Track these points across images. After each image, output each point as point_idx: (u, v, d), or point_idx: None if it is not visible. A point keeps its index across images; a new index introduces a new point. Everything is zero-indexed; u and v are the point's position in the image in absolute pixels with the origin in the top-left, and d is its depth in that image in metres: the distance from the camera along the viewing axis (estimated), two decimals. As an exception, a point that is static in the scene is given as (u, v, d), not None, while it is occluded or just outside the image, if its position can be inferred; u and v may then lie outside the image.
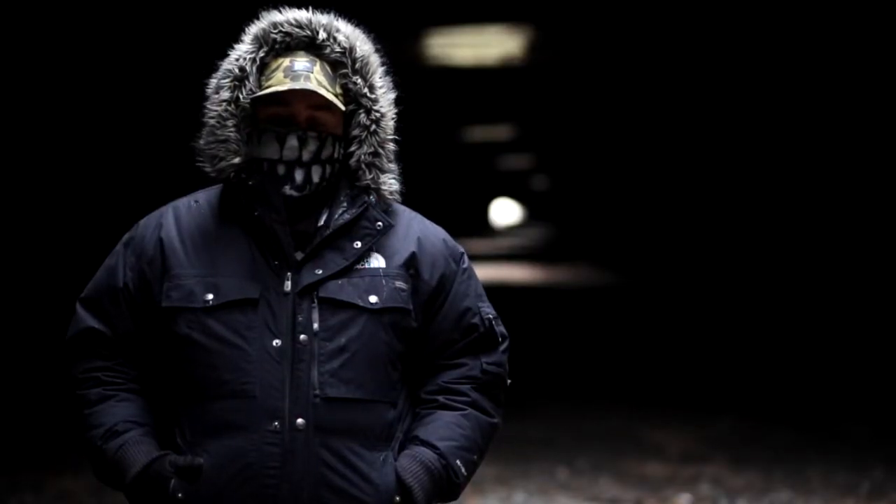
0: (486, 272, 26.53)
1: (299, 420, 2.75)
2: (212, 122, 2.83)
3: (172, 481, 2.77)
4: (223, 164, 2.83)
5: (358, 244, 2.84)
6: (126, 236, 2.93)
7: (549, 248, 45.80)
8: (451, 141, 37.54)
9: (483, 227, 63.26)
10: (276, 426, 2.74)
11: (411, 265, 2.88)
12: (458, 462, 2.87)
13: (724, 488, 7.97)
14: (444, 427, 2.88)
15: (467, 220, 50.22)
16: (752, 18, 16.42)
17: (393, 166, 2.90)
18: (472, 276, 2.98)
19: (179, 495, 2.77)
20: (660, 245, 27.45)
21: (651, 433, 9.80)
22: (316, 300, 2.80)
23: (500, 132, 36.93)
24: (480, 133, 37.22)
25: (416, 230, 2.93)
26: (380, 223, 2.87)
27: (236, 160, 2.83)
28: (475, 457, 2.91)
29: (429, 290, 2.89)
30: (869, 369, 13.06)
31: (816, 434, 9.83)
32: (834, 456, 8.93)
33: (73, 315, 2.92)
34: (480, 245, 45.20)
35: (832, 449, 9.20)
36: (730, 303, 19.86)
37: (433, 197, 31.40)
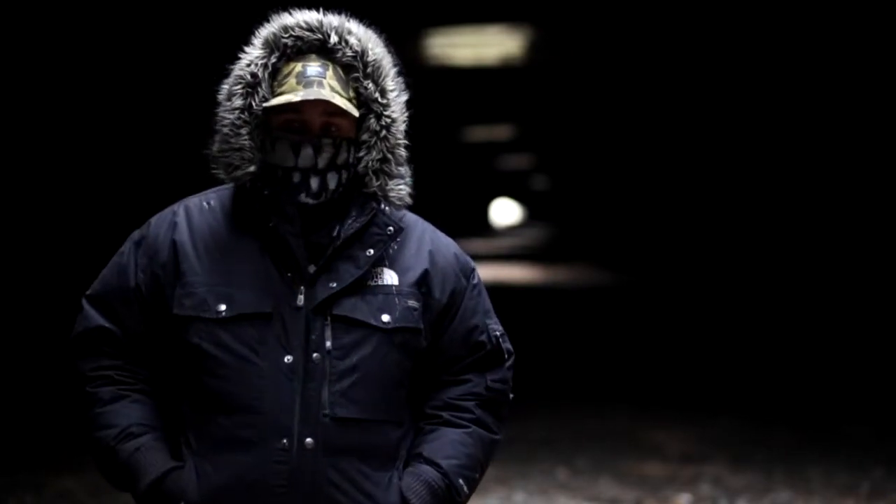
0: (486, 272, 26.52)
1: (308, 439, 2.73)
2: (225, 130, 2.79)
3: (182, 503, 2.76)
4: (238, 172, 2.79)
5: (370, 252, 2.81)
6: (137, 234, 2.89)
7: (549, 248, 45.77)
8: (451, 141, 37.54)
9: (483, 227, 63.25)
10: (284, 444, 2.73)
11: (424, 283, 2.86)
12: (460, 481, 2.86)
13: (724, 488, 7.96)
14: (449, 445, 2.86)
15: (467, 220, 50.21)
16: (752, 18, 16.42)
17: (403, 170, 2.86)
18: (481, 291, 2.96)
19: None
20: (660, 245, 27.45)
21: (651, 433, 9.79)
22: (329, 318, 2.77)
23: (500, 132, 36.96)
24: (480, 133, 37.24)
25: (427, 244, 2.90)
26: (390, 228, 2.84)
27: (251, 168, 2.78)
28: (477, 475, 2.91)
29: (439, 307, 2.87)
30: (870, 369, 13.06)
31: (816, 434, 9.82)
32: (834, 456, 8.93)
33: (80, 312, 2.88)
34: (480, 245, 45.18)
35: (832, 449, 9.20)
36: (730, 303, 19.86)
37: (433, 197, 31.40)
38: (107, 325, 2.85)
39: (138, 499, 2.81)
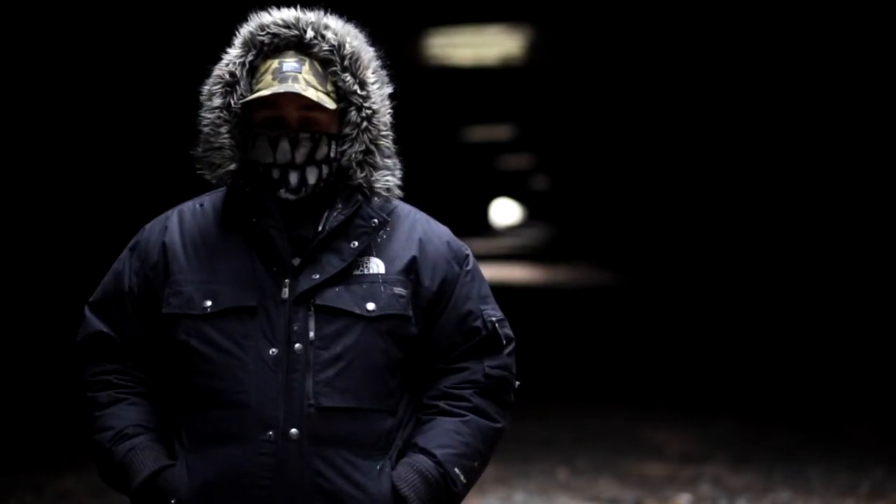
0: (486, 272, 26.45)
1: (292, 430, 2.73)
2: (206, 129, 2.82)
3: (173, 500, 2.78)
4: (220, 171, 2.82)
5: (355, 244, 2.81)
6: (132, 240, 2.93)
7: (549, 248, 45.78)
8: (451, 141, 37.55)
9: (483, 227, 63.25)
10: (270, 435, 2.73)
11: (412, 270, 2.85)
12: (456, 470, 2.83)
13: (724, 488, 7.96)
14: (443, 434, 2.84)
15: (467, 220, 50.21)
16: (752, 18, 16.42)
17: (390, 162, 2.86)
18: (475, 277, 2.94)
19: (173, 502, 2.78)
20: (660, 245, 27.45)
21: (651, 433, 9.79)
22: (312, 308, 2.78)
23: (500, 132, 36.96)
24: (480, 133, 37.24)
25: (418, 232, 2.89)
26: (375, 220, 2.84)
27: (232, 166, 2.81)
28: (476, 463, 2.87)
29: (429, 295, 2.86)
30: (870, 369, 13.06)
31: (816, 434, 9.82)
32: (834, 456, 8.92)
33: (82, 319, 2.92)
34: (480, 245, 45.17)
35: (832, 449, 9.20)
36: (730, 302, 19.86)
37: (433, 197, 31.39)
38: (105, 330, 2.89)
39: (132, 498, 2.83)
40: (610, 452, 9.03)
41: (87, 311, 2.92)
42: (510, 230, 72.06)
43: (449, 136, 36.21)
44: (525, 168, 54.96)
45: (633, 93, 25.30)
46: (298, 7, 2.88)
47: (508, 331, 2.95)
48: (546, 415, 10.47)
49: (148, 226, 2.93)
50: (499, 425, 2.91)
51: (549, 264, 35.24)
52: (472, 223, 54.30)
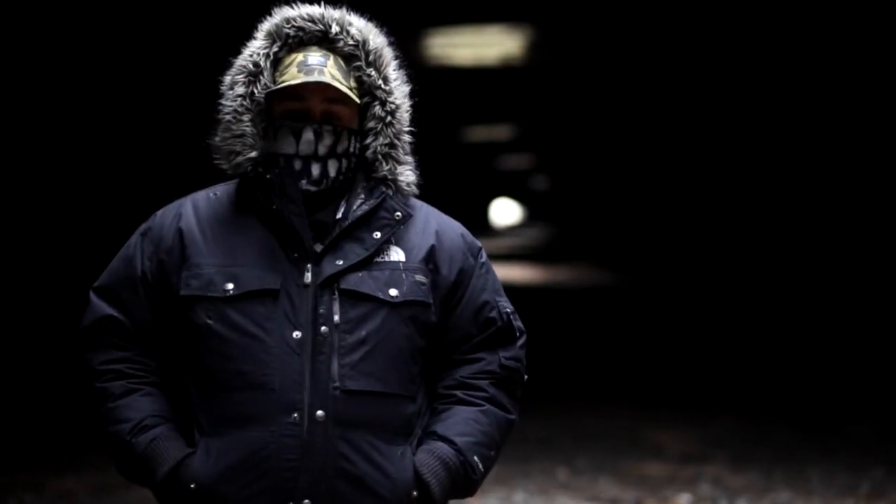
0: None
1: (319, 412, 2.75)
2: (227, 117, 2.84)
3: (192, 485, 2.78)
4: (240, 158, 2.83)
5: (377, 235, 2.85)
6: (143, 226, 2.93)
7: (549, 248, 45.77)
8: (451, 141, 37.53)
9: (483, 227, 63.22)
10: (295, 418, 2.74)
11: (430, 259, 2.90)
12: (475, 458, 2.88)
13: (724, 488, 7.96)
14: (463, 423, 2.88)
15: (467, 220, 50.13)
16: (752, 18, 16.42)
17: (409, 158, 2.92)
18: (489, 270, 2.99)
19: (192, 486, 2.78)
20: (660, 245, 27.45)
21: (651, 433, 9.79)
22: (337, 292, 2.80)
23: (500, 132, 36.94)
24: (480, 133, 37.22)
25: (434, 224, 2.95)
26: (398, 213, 2.87)
27: (253, 154, 2.83)
28: (492, 453, 2.92)
29: (447, 284, 2.90)
30: (870, 369, 13.06)
31: (816, 434, 9.82)
32: (834, 456, 8.93)
33: (87, 305, 2.91)
34: (480, 245, 45.01)
35: (832, 449, 9.20)
36: (730, 302, 19.86)
37: (433, 197, 31.31)
38: (115, 314, 2.87)
39: (156, 489, 2.82)
40: (610, 452, 9.03)
41: (93, 296, 2.91)
42: (510, 230, 72.02)
43: (449, 136, 36.19)
44: (525, 168, 54.95)
45: (633, 93, 25.29)
46: (321, 4, 2.92)
47: (521, 323, 3.01)
48: (546, 415, 10.47)
49: (159, 212, 2.93)
50: (512, 416, 2.97)
51: (550, 264, 35.22)
52: (473, 223, 54.20)
